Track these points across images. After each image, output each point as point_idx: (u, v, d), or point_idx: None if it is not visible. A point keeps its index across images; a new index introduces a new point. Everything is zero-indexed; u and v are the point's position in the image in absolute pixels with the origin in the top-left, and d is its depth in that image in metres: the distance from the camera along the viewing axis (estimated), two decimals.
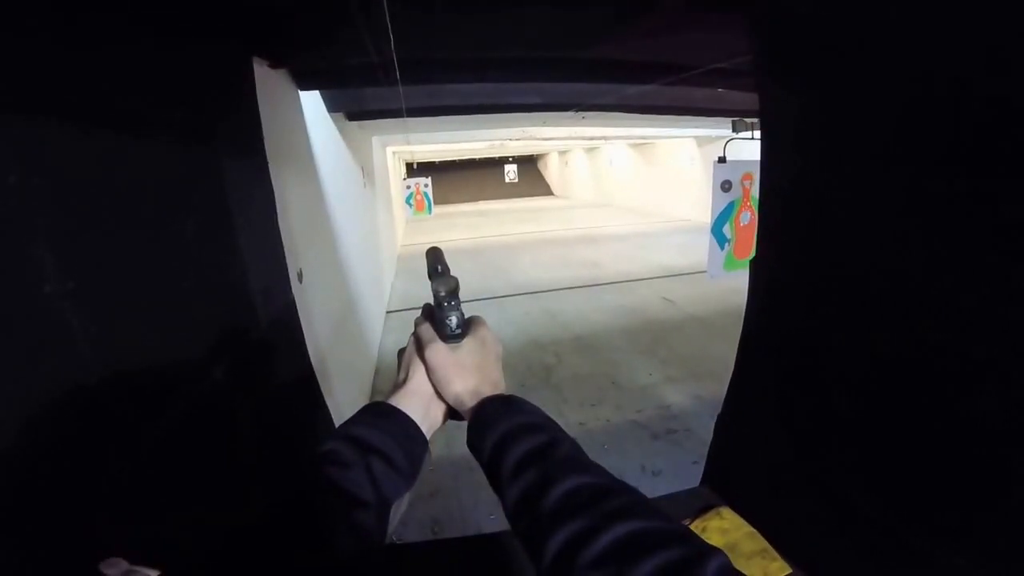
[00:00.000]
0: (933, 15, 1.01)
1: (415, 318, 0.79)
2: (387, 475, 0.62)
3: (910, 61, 1.08)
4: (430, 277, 0.74)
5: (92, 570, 0.43)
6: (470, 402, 0.69)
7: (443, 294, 0.72)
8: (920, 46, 1.05)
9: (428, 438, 0.71)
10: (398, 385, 0.73)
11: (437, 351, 0.71)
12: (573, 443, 0.61)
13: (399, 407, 0.69)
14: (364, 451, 0.62)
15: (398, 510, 0.65)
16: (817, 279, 1.44)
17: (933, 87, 1.04)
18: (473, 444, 0.66)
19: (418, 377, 0.72)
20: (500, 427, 0.63)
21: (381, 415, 0.68)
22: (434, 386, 0.72)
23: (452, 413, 0.74)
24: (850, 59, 1.22)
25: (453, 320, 0.72)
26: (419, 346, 0.73)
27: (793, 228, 1.54)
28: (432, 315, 0.75)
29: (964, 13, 0.96)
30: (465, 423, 0.70)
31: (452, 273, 0.75)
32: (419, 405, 0.71)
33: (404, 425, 0.68)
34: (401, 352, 0.78)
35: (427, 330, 0.74)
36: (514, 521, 0.57)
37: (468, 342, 0.73)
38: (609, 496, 0.51)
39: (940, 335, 1.10)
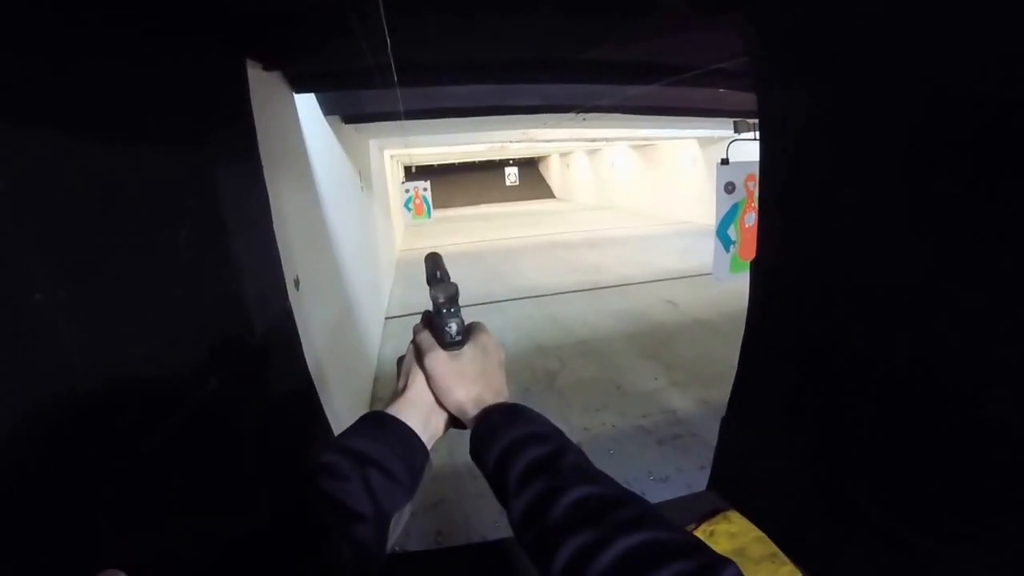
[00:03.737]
0: (937, 16, 1.01)
1: (414, 325, 0.77)
2: (386, 487, 0.61)
3: (917, 61, 1.08)
4: (429, 284, 0.72)
5: None
6: (473, 411, 0.67)
7: (442, 301, 0.70)
8: (927, 46, 1.05)
9: (429, 448, 0.69)
10: (397, 394, 0.72)
11: (437, 359, 0.69)
12: (580, 452, 0.60)
13: (398, 417, 0.67)
14: (361, 463, 0.61)
15: (398, 522, 0.63)
16: (821, 281, 1.44)
17: (942, 87, 1.04)
18: (477, 454, 0.65)
19: (418, 386, 0.71)
20: (505, 437, 0.61)
21: (379, 425, 0.67)
22: (435, 395, 0.70)
23: (454, 422, 0.72)
24: (854, 59, 1.23)
25: (453, 327, 0.70)
26: (419, 354, 0.72)
27: (795, 229, 1.54)
28: (431, 322, 0.73)
29: (968, 14, 0.96)
30: (467, 431, 0.68)
31: (452, 278, 0.73)
32: (419, 414, 0.69)
33: (403, 435, 0.66)
34: (400, 360, 0.77)
35: (427, 338, 0.72)
36: (520, 532, 0.55)
37: (469, 349, 0.71)
38: (618, 507, 0.51)
39: (949, 338, 1.10)
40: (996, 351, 1.01)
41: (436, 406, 0.70)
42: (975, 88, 0.96)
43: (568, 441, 0.62)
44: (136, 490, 0.88)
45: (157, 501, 0.94)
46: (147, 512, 0.90)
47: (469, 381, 0.69)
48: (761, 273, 1.72)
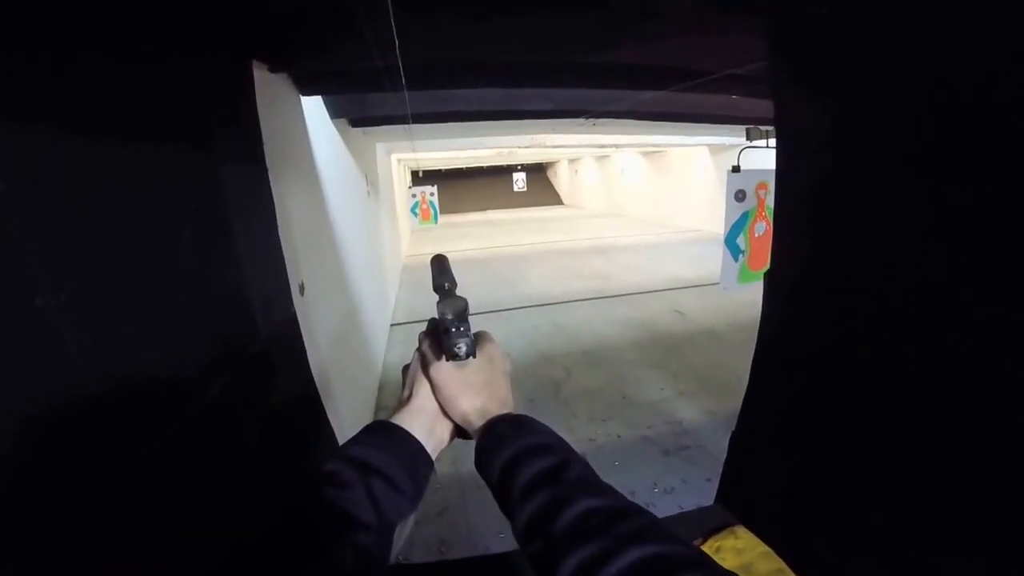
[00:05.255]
0: (957, 19, 0.99)
1: (419, 333, 0.77)
2: (389, 496, 0.60)
3: (935, 66, 1.06)
4: (435, 291, 0.72)
5: None
6: (478, 422, 0.67)
7: (450, 318, 0.69)
8: (945, 51, 1.03)
9: (434, 458, 0.68)
10: (402, 403, 0.72)
11: (442, 369, 0.69)
12: (585, 464, 0.60)
13: (403, 426, 0.67)
14: (365, 472, 0.60)
15: (402, 532, 0.63)
16: (837, 292, 1.42)
17: (964, 92, 1.02)
18: (481, 466, 0.64)
19: (423, 395, 0.71)
20: (510, 448, 0.61)
21: (383, 435, 0.66)
22: (440, 405, 0.70)
23: (459, 432, 0.72)
24: (873, 64, 1.21)
25: (463, 348, 0.69)
26: (424, 363, 0.72)
27: (811, 239, 1.51)
28: (437, 332, 0.72)
29: (987, 17, 0.94)
30: (471, 441, 0.68)
31: (458, 286, 0.73)
32: (424, 424, 0.69)
33: (407, 445, 0.66)
34: (406, 368, 0.77)
35: (432, 347, 0.72)
36: (525, 544, 0.55)
37: (475, 359, 0.70)
38: (623, 519, 0.51)
39: (964, 349, 1.08)
40: (1008, 361, 0.99)
41: (441, 415, 0.70)
42: (1000, 94, 0.94)
43: (574, 452, 0.62)
44: (138, 495, 0.87)
45: (159, 506, 0.93)
46: (149, 517, 0.89)
47: (474, 391, 0.69)
48: (775, 283, 1.70)
